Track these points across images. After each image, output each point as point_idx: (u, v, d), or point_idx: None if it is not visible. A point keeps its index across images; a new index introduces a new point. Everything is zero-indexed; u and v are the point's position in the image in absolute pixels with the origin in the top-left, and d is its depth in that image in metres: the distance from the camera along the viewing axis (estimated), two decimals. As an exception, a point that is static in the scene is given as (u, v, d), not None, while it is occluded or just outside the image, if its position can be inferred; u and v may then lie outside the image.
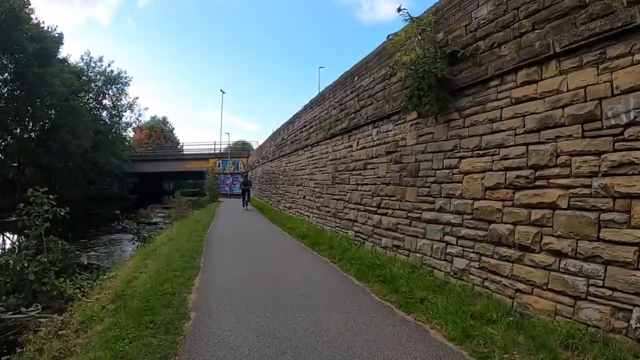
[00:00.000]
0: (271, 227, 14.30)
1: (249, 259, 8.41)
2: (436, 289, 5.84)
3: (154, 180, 63.24)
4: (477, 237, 5.74)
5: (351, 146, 10.58)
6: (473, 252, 5.79)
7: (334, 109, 12.29)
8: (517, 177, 5.07)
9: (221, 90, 49.60)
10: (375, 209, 8.85)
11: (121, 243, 13.50)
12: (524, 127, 5.05)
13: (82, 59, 39.78)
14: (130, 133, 49.90)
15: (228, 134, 76.94)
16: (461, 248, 6.07)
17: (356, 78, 10.81)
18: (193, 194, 43.57)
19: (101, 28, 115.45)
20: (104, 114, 42.56)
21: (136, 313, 4.84)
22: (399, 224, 7.86)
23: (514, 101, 5.22)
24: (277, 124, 31.66)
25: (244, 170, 46.00)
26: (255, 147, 44.92)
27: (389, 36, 8.04)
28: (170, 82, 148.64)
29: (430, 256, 6.77)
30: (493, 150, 5.60)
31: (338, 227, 10.91)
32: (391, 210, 8.19)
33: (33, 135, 33.00)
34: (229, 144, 50.72)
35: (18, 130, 31.28)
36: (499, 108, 5.52)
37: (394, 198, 8.12)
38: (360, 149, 9.94)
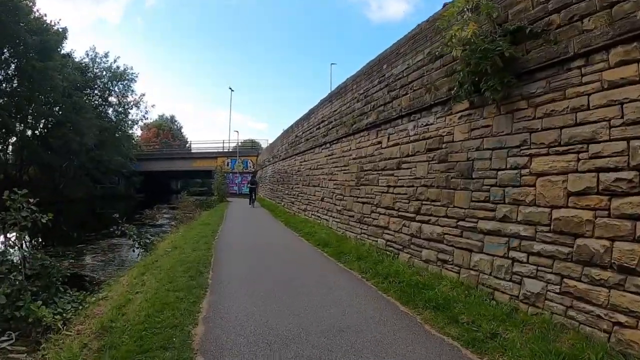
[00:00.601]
0: (286, 232, 13.07)
1: (266, 274, 7.16)
2: (505, 318, 4.65)
3: (161, 179, 62.42)
4: (557, 254, 4.53)
5: (380, 143, 9.29)
6: (552, 273, 4.59)
7: (358, 101, 11.01)
8: (616, 180, 3.90)
9: (230, 88, 48.63)
10: (412, 215, 7.57)
11: (121, 249, 12.35)
12: (622, 117, 3.92)
13: (87, 55, 38.99)
14: (137, 131, 48.99)
15: (237, 132, 75.71)
16: (534, 267, 4.83)
17: (385, 66, 9.53)
18: (201, 194, 42.54)
19: (110, 27, 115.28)
20: (110, 111, 41.73)
21: (125, 359, 3.62)
22: (445, 234, 6.58)
23: (606, 85, 4.10)
24: (287, 123, 30.62)
25: (253, 170, 44.95)
26: (264, 145, 43.79)
27: (444, 4, 6.79)
28: (179, 81, 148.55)
29: (490, 275, 5.51)
30: (579, 146, 4.41)
31: (364, 234, 9.64)
32: (435, 218, 6.91)
33: (36, 133, 32.03)
34: (237, 143, 49.70)
35: (19, 127, 30.33)
36: (584, 94, 4.35)
37: (438, 203, 6.84)
38: (392, 145, 8.65)
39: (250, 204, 25.28)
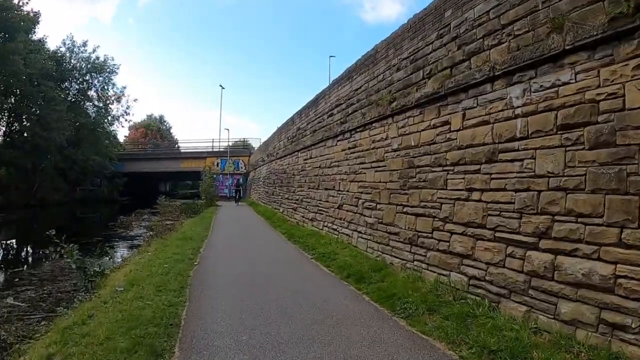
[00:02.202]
0: (293, 252, 9.84)
1: (281, 353, 3.90)
2: None
3: (148, 181, 58.60)
4: None
5: (447, 123, 6.10)
6: None
7: (399, 70, 7.85)
8: None
9: (220, 86, 45.18)
10: (532, 240, 4.42)
11: (69, 277, 8.79)
12: None
13: (64, 44, 35.22)
14: (118, 128, 45.10)
15: (228, 130, 71.03)
16: None
17: (449, 12, 6.42)
18: (191, 196, 38.98)
19: (103, 27, 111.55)
20: (88, 106, 37.75)
21: None
22: (620, 276, 3.44)
23: None
24: (279, 123, 27.24)
25: (245, 171, 41.51)
26: (257, 145, 40.35)
27: None
28: (170, 82, 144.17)
29: None
30: None
31: (421, 262, 6.43)
32: (591, 246, 3.77)
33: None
34: (228, 142, 46.15)
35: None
36: None
37: (599, 220, 3.70)
38: (475, 125, 5.47)
39: (235, 202, 29.78)
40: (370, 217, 8.48)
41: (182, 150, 50.93)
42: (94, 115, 37.18)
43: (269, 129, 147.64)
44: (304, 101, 21.24)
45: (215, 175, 33.02)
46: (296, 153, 15.81)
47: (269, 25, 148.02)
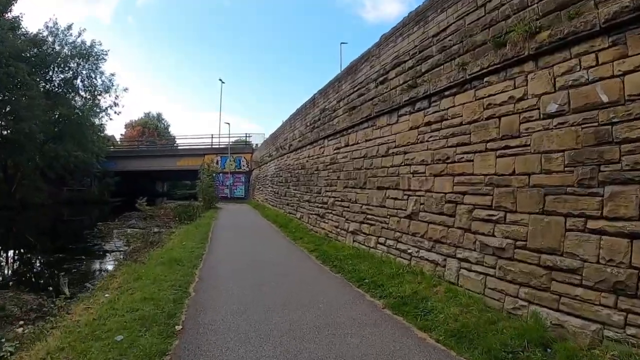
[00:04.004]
0: (344, 290, 6.11)
1: None
2: None
3: (143, 180, 54.76)
4: None
5: None
6: None
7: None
8: None
9: (220, 80, 41.42)
10: None
11: None
12: None
13: (47, 28, 31.31)
14: (106, 121, 41.03)
15: (228, 124, 65.39)
16: None
17: None
18: (189, 197, 35.22)
19: (102, 26, 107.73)
20: (74, 97, 33.70)
21: None
22: None
23: None
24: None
25: (247, 169, 37.77)
26: (261, 142, 36.50)
27: None
28: (168, 81, 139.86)
29: None
30: None
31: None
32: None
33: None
34: (229, 137, 42.27)
35: None
36: None
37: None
38: None
39: None
40: (494, 235, 4.77)
41: (179, 147, 47.09)
42: (79, 107, 33.22)
43: (270, 131, 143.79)
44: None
45: (214, 174, 29.20)
46: (321, 142, 12.10)
47: (267, 27, 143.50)
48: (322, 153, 11.82)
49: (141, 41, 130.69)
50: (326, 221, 10.79)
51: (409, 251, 6.78)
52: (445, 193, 5.97)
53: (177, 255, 8.16)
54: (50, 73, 32.66)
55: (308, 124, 14.07)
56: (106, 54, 34.56)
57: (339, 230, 9.78)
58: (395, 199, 7.33)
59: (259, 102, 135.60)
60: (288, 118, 18.84)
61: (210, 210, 22.64)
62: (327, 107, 11.97)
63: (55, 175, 31.21)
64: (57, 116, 30.28)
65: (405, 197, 7.05)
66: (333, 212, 10.33)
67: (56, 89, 33.01)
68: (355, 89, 9.78)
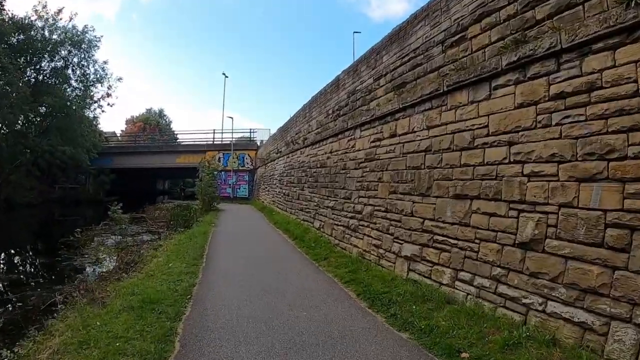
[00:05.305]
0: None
1: None
2: None
3: (141, 178, 52.26)
4: None
5: None
6: None
7: None
8: None
9: (223, 74, 38.84)
10: None
11: None
12: None
13: (35, 12, 28.62)
14: (99, 113, 38.25)
15: (231, 118, 61.48)
16: None
17: None
18: (191, 196, 32.69)
19: (106, 24, 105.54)
20: (64, 87, 31.01)
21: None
22: None
23: None
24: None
25: (251, 167, 35.12)
26: (265, 138, 33.79)
27: None
28: (171, 79, 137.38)
29: None
30: None
31: None
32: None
33: None
34: (232, 133, 39.48)
35: None
36: None
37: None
38: None
39: None
40: None
41: (179, 143, 44.46)
42: (70, 98, 30.56)
43: (274, 129, 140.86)
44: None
45: (216, 172, 26.52)
46: (350, 132, 9.44)
47: (270, 26, 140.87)
48: (352, 147, 9.16)
49: (145, 39, 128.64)
50: (360, 236, 8.13)
51: (525, 301, 4.17)
52: (606, 211, 3.38)
53: (155, 292, 5.52)
54: (41, 62, 30.09)
55: (330, 112, 11.41)
56: (99, 40, 32.05)
57: (381, 251, 7.12)
58: (493, 214, 4.70)
59: (260, 102, 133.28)
60: (301, 108, 16.18)
61: (210, 213, 20.04)
62: (358, 88, 9.32)
63: (40, 171, 28.57)
64: (44, 108, 27.61)
65: (514, 213, 4.43)
66: (371, 225, 7.67)
67: (47, 79, 30.45)
68: (406, 59, 7.13)
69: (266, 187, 24.51)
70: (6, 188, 28.55)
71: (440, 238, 5.56)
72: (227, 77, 44.45)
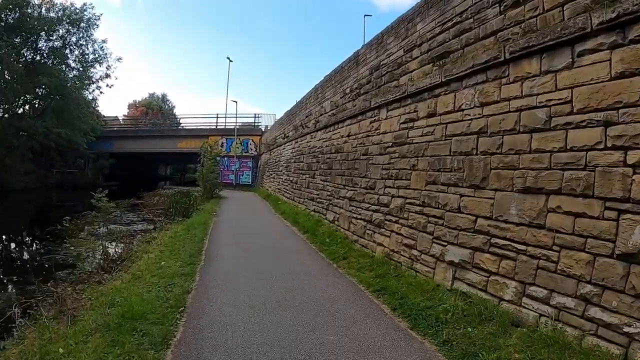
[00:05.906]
0: None
1: None
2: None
3: (142, 163, 51.21)
4: None
5: None
6: None
7: None
8: None
9: (228, 58, 37.22)
10: None
11: None
12: None
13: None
14: (97, 95, 36.83)
15: (235, 102, 58.58)
16: None
17: None
18: (193, 181, 31.49)
19: (111, 10, 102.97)
20: (61, 67, 29.65)
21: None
22: None
23: None
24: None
25: (255, 153, 33.89)
26: (271, 123, 32.44)
27: None
28: (175, 65, 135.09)
29: None
30: None
31: None
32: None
33: None
34: (236, 117, 38.02)
35: None
36: None
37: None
38: None
39: None
40: None
41: (181, 127, 43.16)
42: (68, 78, 29.21)
43: (279, 116, 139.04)
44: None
45: (218, 158, 25.29)
46: (373, 113, 8.21)
47: (275, 14, 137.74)
48: (376, 129, 7.93)
49: (150, 24, 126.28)
50: (386, 233, 6.96)
51: (628, 330, 3.09)
52: None
53: (141, 302, 4.40)
54: (38, 41, 28.70)
55: (347, 91, 10.15)
56: (98, 19, 30.52)
57: (415, 253, 5.96)
58: (580, 215, 3.54)
59: (264, 89, 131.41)
60: (312, 89, 14.89)
61: (212, 200, 18.94)
62: (383, 62, 8.05)
63: (33, 154, 27.41)
64: (41, 89, 26.33)
65: (613, 214, 3.29)
66: (402, 220, 6.49)
67: (45, 59, 29.12)
68: (449, 24, 5.86)
69: (271, 174, 23.34)
70: (2, 172, 27.51)
71: (501, 242, 4.39)
72: (231, 61, 42.50)
